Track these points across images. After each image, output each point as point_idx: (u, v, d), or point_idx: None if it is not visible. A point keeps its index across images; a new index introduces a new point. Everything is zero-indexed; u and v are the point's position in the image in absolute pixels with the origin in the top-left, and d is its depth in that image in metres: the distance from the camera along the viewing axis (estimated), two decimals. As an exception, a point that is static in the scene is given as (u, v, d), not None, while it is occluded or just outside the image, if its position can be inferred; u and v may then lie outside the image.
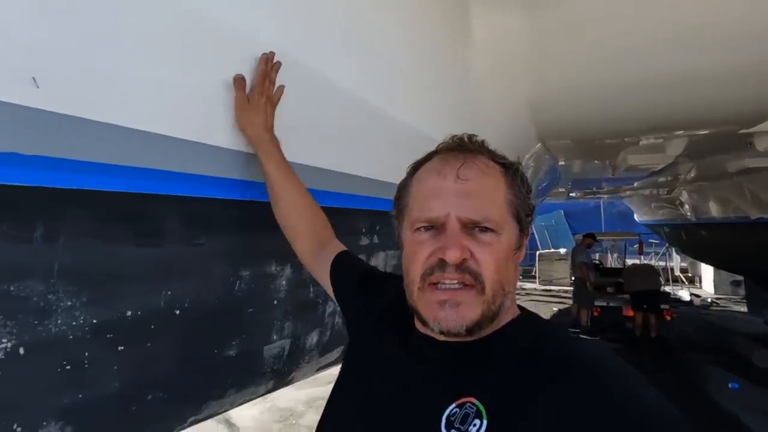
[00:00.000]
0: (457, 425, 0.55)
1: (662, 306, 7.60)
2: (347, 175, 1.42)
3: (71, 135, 0.68)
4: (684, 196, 8.42)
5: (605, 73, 2.43)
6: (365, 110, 1.44)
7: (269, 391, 1.39)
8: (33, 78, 0.63)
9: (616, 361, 0.57)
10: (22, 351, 0.65)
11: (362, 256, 1.59)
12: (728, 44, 2.20)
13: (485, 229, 0.61)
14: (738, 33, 2.13)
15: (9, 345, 0.64)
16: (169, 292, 0.88)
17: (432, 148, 0.70)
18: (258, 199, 1.06)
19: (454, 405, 0.57)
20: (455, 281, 0.60)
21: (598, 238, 9.04)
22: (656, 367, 5.76)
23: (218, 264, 1.00)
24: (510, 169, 0.66)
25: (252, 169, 1.04)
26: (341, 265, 0.98)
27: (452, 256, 0.58)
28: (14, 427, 0.66)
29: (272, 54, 0.99)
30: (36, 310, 0.66)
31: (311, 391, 4.71)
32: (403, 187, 0.70)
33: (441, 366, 0.64)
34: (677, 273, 13.80)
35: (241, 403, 1.27)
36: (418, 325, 0.68)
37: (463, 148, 0.66)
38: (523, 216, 0.65)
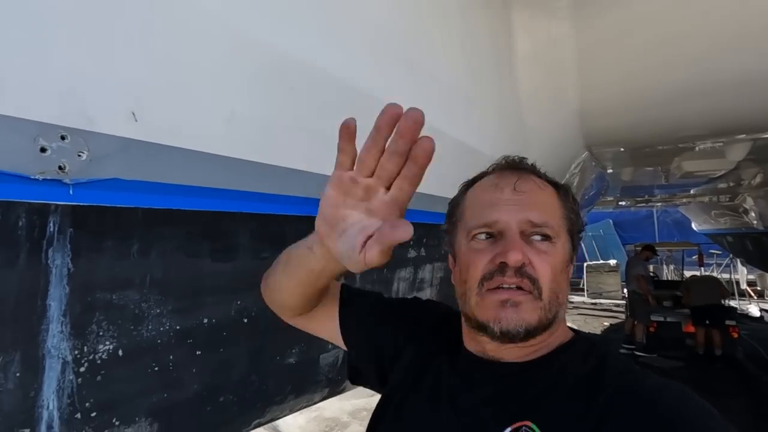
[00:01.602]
0: None
1: (728, 322, 7.00)
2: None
3: (162, 161, 0.77)
4: (749, 203, 7.82)
5: (661, 78, 2.33)
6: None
7: (323, 399, 1.44)
8: (132, 113, 0.72)
9: (685, 395, 0.53)
10: (121, 353, 0.73)
11: (410, 268, 1.63)
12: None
13: (542, 238, 0.62)
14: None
15: (111, 347, 0.72)
16: (239, 302, 0.95)
17: (478, 160, 0.73)
18: (313, 214, 1.12)
19: (510, 429, 0.56)
20: (514, 284, 0.60)
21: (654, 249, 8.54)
22: (726, 389, 5.31)
23: (280, 276, 1.06)
24: (561, 189, 0.68)
25: (308, 186, 1.11)
26: (354, 312, 0.80)
27: (514, 257, 0.58)
28: (114, 421, 0.74)
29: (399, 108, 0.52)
30: (132, 317, 0.75)
31: (356, 402, 4.74)
32: (457, 202, 0.71)
33: (492, 389, 0.63)
34: (743, 286, 12.71)
35: (298, 409, 1.32)
36: (468, 344, 0.68)
37: (516, 168, 0.68)
38: (575, 231, 0.67)
